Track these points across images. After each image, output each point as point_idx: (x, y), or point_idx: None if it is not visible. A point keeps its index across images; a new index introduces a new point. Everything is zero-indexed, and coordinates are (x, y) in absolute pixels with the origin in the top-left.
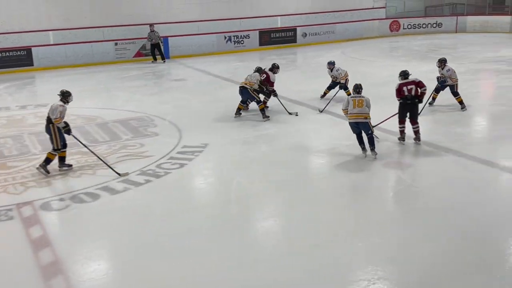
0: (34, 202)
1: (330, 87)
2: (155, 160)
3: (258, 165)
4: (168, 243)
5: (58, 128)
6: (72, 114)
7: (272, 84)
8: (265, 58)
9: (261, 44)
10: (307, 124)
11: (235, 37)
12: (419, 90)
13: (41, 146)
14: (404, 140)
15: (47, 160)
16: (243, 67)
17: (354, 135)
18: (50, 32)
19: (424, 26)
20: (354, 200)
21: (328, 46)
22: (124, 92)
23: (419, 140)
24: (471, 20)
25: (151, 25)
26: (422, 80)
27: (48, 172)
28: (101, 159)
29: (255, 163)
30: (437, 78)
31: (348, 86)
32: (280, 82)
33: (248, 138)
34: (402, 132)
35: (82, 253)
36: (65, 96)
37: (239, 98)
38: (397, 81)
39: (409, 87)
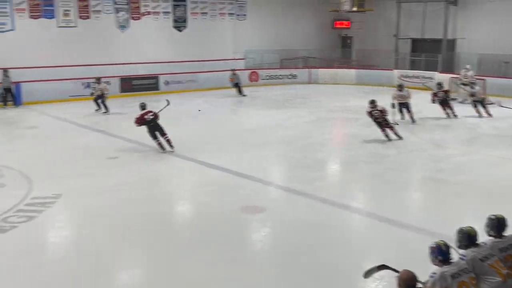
0: None
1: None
2: None
3: (114, 217)
4: None
5: None
6: None
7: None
8: (125, 105)
9: (122, 91)
10: (168, 169)
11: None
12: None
13: None
14: None
15: None
16: (102, 114)
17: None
18: None
19: (280, 77)
20: (217, 248)
21: (191, 94)
22: None
23: None
24: (322, 72)
25: (4, 70)
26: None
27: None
28: None
29: (111, 214)
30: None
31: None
32: (141, 129)
33: (105, 187)
34: None
35: None
36: None
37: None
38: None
39: None
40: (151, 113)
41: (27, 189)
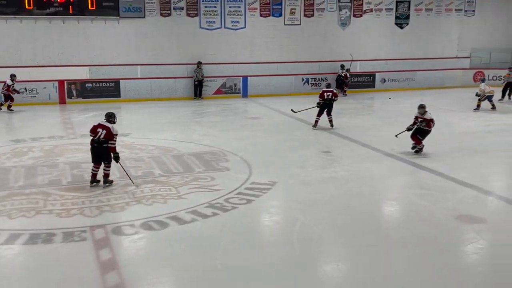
0: (107, 225)
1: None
2: (223, 194)
3: (323, 208)
4: (229, 276)
5: None
6: (151, 144)
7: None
8: (340, 101)
9: (337, 86)
10: (379, 168)
11: (313, 80)
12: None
13: (119, 173)
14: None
15: None
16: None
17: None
18: (138, 66)
19: None
20: (425, 253)
21: (407, 93)
22: (201, 126)
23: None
24: None
25: (198, 63)
26: None
27: None
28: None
29: (321, 205)
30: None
31: None
32: (355, 125)
33: (317, 179)
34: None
35: (146, 279)
36: None
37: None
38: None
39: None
40: (330, 93)
41: (247, 174)
